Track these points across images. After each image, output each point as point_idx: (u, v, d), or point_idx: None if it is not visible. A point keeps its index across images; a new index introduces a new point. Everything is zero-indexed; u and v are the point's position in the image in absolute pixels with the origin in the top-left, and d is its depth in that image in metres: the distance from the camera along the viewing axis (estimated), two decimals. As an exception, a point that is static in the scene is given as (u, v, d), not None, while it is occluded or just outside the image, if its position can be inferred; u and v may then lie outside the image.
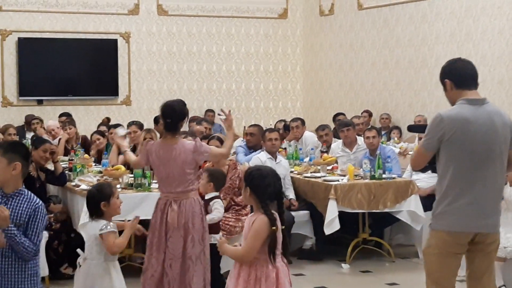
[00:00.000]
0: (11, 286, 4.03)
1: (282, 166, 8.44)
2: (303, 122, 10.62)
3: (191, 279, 5.66)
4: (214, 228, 6.07)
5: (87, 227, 5.16)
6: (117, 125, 10.41)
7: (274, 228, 4.16)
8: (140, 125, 9.77)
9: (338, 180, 7.93)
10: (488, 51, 11.21)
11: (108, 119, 12.85)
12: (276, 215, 4.24)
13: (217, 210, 6.25)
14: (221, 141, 7.70)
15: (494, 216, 4.52)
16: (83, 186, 7.44)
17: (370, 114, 13.00)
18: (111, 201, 4.97)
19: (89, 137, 11.18)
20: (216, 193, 6.36)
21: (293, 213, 8.20)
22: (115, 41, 14.14)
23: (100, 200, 4.95)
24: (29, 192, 4.15)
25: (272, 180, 4.30)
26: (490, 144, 4.45)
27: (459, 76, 4.57)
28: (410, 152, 9.52)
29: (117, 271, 4.96)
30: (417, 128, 4.84)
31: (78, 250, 5.07)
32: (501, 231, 6.58)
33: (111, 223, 4.93)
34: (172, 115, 5.83)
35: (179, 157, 5.71)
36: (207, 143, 7.60)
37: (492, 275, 4.61)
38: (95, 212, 4.99)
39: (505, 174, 4.67)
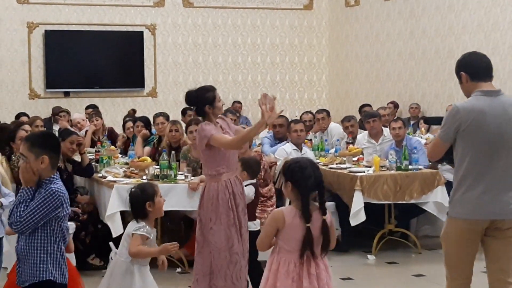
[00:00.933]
0: (35, 266, 4.03)
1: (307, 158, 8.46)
2: (328, 113, 10.60)
3: None
4: (250, 215, 6.02)
5: (129, 225, 4.94)
6: (142, 117, 10.52)
7: (308, 225, 4.10)
8: (167, 117, 9.81)
9: (364, 171, 7.92)
10: (516, 41, 11.13)
11: (134, 111, 12.91)
12: (316, 207, 4.20)
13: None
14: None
15: (510, 203, 4.52)
16: (110, 178, 7.50)
17: (396, 105, 12.94)
18: (155, 200, 4.79)
19: (115, 129, 11.28)
20: (253, 180, 6.31)
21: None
22: (141, 33, 14.21)
23: (145, 201, 4.77)
24: (59, 181, 4.14)
25: (311, 170, 4.24)
26: (504, 134, 4.52)
27: (474, 68, 4.65)
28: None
29: (143, 275, 4.76)
30: (433, 120, 4.83)
31: (111, 244, 4.99)
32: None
33: (148, 228, 4.75)
34: (193, 102, 5.82)
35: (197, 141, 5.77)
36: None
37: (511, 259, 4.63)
38: (140, 213, 4.80)
39: None
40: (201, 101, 5.70)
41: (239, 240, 5.56)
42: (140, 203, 4.79)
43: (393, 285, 7.08)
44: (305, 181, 4.15)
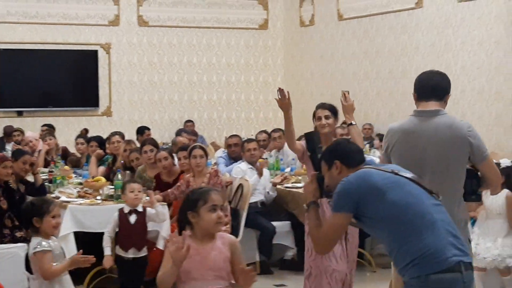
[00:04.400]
0: None
1: (263, 177, 8.49)
2: (283, 132, 10.61)
3: None
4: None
5: (29, 244, 4.89)
6: (96, 137, 10.44)
7: None
8: (122, 136, 9.75)
9: (319, 191, 7.92)
10: (467, 61, 11.28)
11: (86, 130, 12.80)
12: None
13: None
14: (204, 150, 7.73)
15: None
16: (63, 198, 7.42)
17: None
18: (44, 219, 4.74)
19: (69, 149, 11.16)
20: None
21: (274, 223, 8.21)
22: (96, 52, 14.10)
23: (32, 215, 4.75)
24: None
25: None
26: (427, 158, 4.40)
27: (419, 87, 4.58)
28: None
29: (64, 285, 4.79)
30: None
31: (25, 272, 4.95)
32: (481, 241, 6.63)
33: (45, 242, 4.70)
34: None
35: None
36: (189, 154, 7.65)
37: None
38: (28, 226, 4.80)
39: (459, 186, 4.51)
40: None
41: None
42: (28, 215, 4.80)
43: (349, 304, 7.08)
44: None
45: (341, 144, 4.12)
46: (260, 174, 8.46)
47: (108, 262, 6.62)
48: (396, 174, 3.77)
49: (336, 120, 6.22)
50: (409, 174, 3.82)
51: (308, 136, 4.35)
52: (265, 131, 11.33)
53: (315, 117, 6.17)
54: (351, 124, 6.12)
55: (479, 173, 4.53)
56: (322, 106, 6.20)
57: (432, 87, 4.54)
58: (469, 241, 4.62)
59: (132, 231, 6.62)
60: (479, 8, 11.19)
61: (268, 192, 8.48)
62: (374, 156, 9.56)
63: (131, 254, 6.59)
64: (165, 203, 7.37)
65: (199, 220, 3.91)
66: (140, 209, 6.70)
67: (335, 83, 14.14)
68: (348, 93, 6.17)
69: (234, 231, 7.43)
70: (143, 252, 6.67)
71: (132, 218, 6.64)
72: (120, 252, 6.64)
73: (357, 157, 3.92)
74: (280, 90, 5.94)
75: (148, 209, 6.75)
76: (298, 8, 15.07)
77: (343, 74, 13.94)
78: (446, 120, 4.46)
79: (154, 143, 8.62)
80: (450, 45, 11.67)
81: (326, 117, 6.09)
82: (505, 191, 6.53)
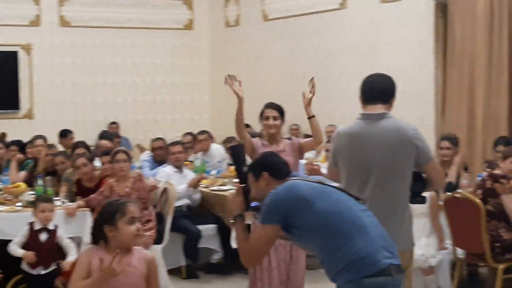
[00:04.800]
0: None
1: (188, 180, 8.46)
2: (210, 134, 10.61)
3: None
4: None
5: None
6: (17, 141, 10.20)
7: None
8: (45, 139, 9.59)
9: (245, 193, 7.91)
10: (391, 62, 11.41)
11: (4, 134, 12.48)
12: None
13: None
14: (127, 154, 7.65)
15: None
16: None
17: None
18: None
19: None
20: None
21: (200, 227, 8.18)
22: (16, 53, 13.76)
23: None
24: None
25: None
26: (371, 161, 4.43)
27: (364, 90, 4.63)
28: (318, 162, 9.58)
29: None
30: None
31: None
32: (418, 242, 6.68)
33: None
34: None
35: None
36: (112, 158, 7.56)
37: None
38: None
39: (404, 192, 4.54)
40: None
41: None
42: None
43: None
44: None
45: (268, 156, 4.13)
46: (192, 186, 8.42)
47: (29, 257, 6.42)
48: (323, 184, 3.82)
49: (283, 122, 6.25)
50: (334, 184, 3.90)
51: (232, 149, 4.33)
52: (190, 133, 11.29)
53: (263, 116, 6.16)
54: (313, 116, 6.18)
55: (424, 175, 4.58)
56: (270, 106, 6.25)
57: (378, 90, 4.58)
58: (413, 244, 4.67)
59: (41, 249, 6.44)
60: (402, 9, 11.37)
61: (191, 195, 8.45)
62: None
63: (39, 271, 6.44)
64: (87, 209, 7.28)
65: (117, 233, 3.82)
66: (51, 227, 6.54)
67: (261, 84, 14.15)
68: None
69: (159, 236, 7.38)
70: (52, 267, 6.51)
71: (43, 236, 6.49)
72: (26, 268, 6.46)
73: (284, 169, 3.96)
74: (229, 77, 6.02)
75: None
76: (223, 8, 15.05)
77: (270, 75, 13.97)
78: (392, 123, 4.49)
79: (86, 146, 8.59)
80: (374, 45, 11.83)
81: (274, 118, 6.15)
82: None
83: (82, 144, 8.92)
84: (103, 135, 10.81)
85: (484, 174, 7.20)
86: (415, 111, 10.91)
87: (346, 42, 12.36)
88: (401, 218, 4.49)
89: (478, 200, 6.61)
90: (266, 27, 14.02)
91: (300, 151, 6.29)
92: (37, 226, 6.50)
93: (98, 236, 3.88)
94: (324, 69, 12.74)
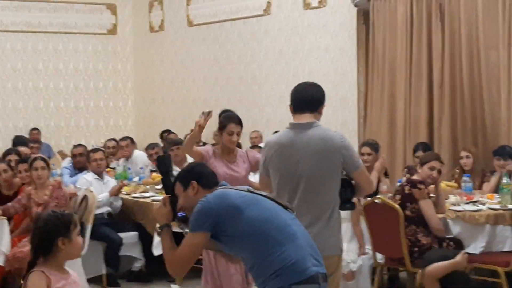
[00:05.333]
0: None
1: (109, 187, 8.42)
2: (132, 140, 10.56)
3: None
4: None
5: None
6: None
7: None
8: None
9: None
10: (314, 68, 11.56)
11: None
12: None
13: None
14: (46, 162, 7.58)
15: (315, 238, 4.31)
16: None
17: None
18: None
19: None
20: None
21: (121, 234, 8.12)
22: None
23: None
24: None
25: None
26: (297, 170, 4.51)
27: (294, 99, 4.69)
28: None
29: None
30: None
31: None
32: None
33: None
34: None
35: None
36: (30, 165, 7.47)
37: None
38: None
39: (332, 198, 4.62)
40: None
41: None
42: None
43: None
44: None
45: (197, 166, 4.16)
46: (113, 194, 8.37)
47: None
48: (252, 192, 3.86)
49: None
50: (264, 193, 3.96)
51: (159, 160, 4.33)
52: (114, 139, 11.21)
53: (226, 130, 6.07)
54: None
55: (353, 181, 4.65)
56: (234, 121, 6.12)
57: (306, 100, 4.64)
58: (341, 250, 4.73)
59: None
60: (325, 15, 11.51)
61: (111, 202, 8.38)
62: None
63: None
64: (4, 217, 7.20)
65: (70, 246, 3.75)
66: None
67: (186, 89, 14.16)
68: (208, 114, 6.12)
69: (79, 245, 7.27)
70: None
71: None
72: None
73: (212, 178, 3.98)
74: (206, 113, 5.96)
75: None
76: (147, 14, 14.97)
77: (194, 81, 13.97)
78: (320, 132, 4.56)
79: (18, 153, 8.46)
80: (298, 52, 11.93)
81: (238, 134, 6.08)
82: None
83: (15, 151, 8.75)
84: (17, 141, 10.67)
85: (403, 179, 7.32)
86: (338, 117, 11.06)
87: (270, 48, 12.43)
88: (329, 223, 4.56)
89: (396, 206, 6.70)
90: (191, 32, 14.00)
91: (254, 166, 6.24)
92: None
93: (45, 250, 3.77)
94: (249, 74, 12.82)
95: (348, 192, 4.67)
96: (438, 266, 3.93)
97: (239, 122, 6.10)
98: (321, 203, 4.54)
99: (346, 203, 4.69)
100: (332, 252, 4.53)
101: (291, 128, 4.63)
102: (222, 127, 6.08)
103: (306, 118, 4.62)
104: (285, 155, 4.56)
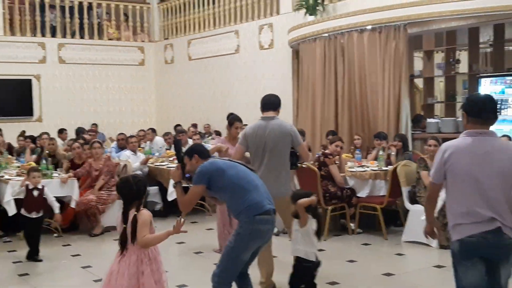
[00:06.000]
0: None
1: (140, 159, 8.40)
2: (154, 130, 10.54)
3: None
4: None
5: None
6: (30, 136, 9.80)
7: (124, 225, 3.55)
8: (48, 135, 9.29)
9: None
10: (266, 86, 11.30)
11: (23, 132, 11.90)
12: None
13: None
14: (100, 144, 7.49)
15: (275, 186, 4.52)
16: (6, 177, 7.06)
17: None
18: None
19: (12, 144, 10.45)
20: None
21: (148, 188, 8.03)
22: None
23: None
24: None
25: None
26: (269, 144, 4.65)
27: (263, 103, 4.80)
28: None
29: None
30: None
31: None
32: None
33: None
34: None
35: None
36: (90, 146, 7.45)
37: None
38: None
39: (285, 162, 4.71)
40: None
41: None
42: None
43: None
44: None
45: (196, 145, 4.11)
46: (143, 163, 8.31)
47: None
48: (232, 161, 3.90)
49: None
50: (239, 162, 3.95)
51: (175, 143, 4.43)
52: (143, 130, 11.20)
53: (233, 126, 5.82)
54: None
55: (297, 152, 4.86)
56: (239, 120, 5.88)
57: (270, 103, 4.75)
58: (291, 191, 4.60)
59: (34, 201, 6.07)
60: (273, 54, 11.25)
61: (142, 168, 8.36)
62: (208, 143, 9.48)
63: (33, 215, 6.05)
64: (75, 178, 7.12)
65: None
66: (40, 186, 6.14)
67: (188, 100, 13.77)
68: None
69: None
70: (41, 213, 6.11)
71: (35, 192, 6.11)
72: (24, 213, 6.07)
73: (206, 153, 3.97)
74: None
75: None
76: (163, 52, 14.64)
77: (192, 95, 13.59)
78: (278, 122, 4.69)
79: (83, 138, 8.59)
80: (256, 76, 11.67)
81: (241, 128, 5.81)
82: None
83: (82, 137, 8.85)
84: (79, 130, 10.80)
85: (320, 153, 7.22)
86: (281, 115, 10.96)
87: (239, 74, 12.27)
88: (285, 177, 4.70)
89: (315, 168, 6.70)
90: (190, 64, 13.81)
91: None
92: (30, 187, 6.10)
93: (141, 196, 3.49)
94: (228, 92, 12.68)
95: (294, 158, 4.87)
96: (304, 200, 4.08)
97: (241, 121, 5.96)
98: (279, 165, 4.70)
99: (293, 165, 4.88)
100: (287, 192, 4.60)
101: (262, 119, 4.75)
102: (230, 124, 5.84)
103: (270, 114, 4.72)
104: (257, 136, 4.68)
